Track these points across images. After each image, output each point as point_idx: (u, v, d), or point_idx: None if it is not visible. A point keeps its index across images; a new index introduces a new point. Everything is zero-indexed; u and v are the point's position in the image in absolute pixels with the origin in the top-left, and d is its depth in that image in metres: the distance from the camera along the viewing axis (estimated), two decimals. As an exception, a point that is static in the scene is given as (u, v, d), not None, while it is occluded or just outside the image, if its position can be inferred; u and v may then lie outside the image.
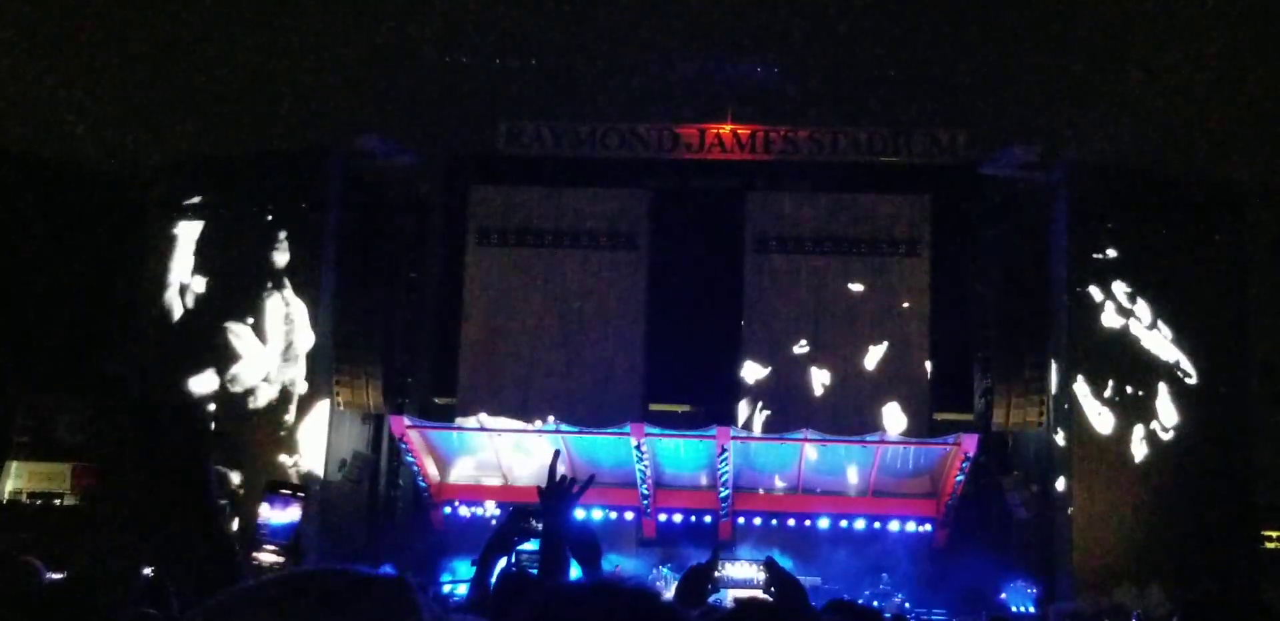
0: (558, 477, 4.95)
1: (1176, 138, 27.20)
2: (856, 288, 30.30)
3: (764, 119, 30.33)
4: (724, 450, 26.81)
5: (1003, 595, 26.20)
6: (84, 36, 26.73)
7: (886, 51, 29.25)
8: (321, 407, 27.60)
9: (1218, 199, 27.41)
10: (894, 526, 27.82)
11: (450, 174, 30.96)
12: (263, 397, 27.31)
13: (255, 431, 27.13)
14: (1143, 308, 26.60)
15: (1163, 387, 26.19)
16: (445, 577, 26.09)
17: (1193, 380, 26.18)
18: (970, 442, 26.46)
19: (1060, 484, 26.70)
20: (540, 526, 4.91)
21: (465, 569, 25.47)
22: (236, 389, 27.32)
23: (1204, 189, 27.41)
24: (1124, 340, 26.52)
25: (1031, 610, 25.47)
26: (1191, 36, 26.76)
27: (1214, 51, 26.72)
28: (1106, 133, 27.21)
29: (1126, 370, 26.42)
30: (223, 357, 27.46)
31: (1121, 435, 26.12)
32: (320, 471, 27.16)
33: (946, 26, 28.61)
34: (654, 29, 29.09)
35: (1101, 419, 26.32)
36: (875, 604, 25.65)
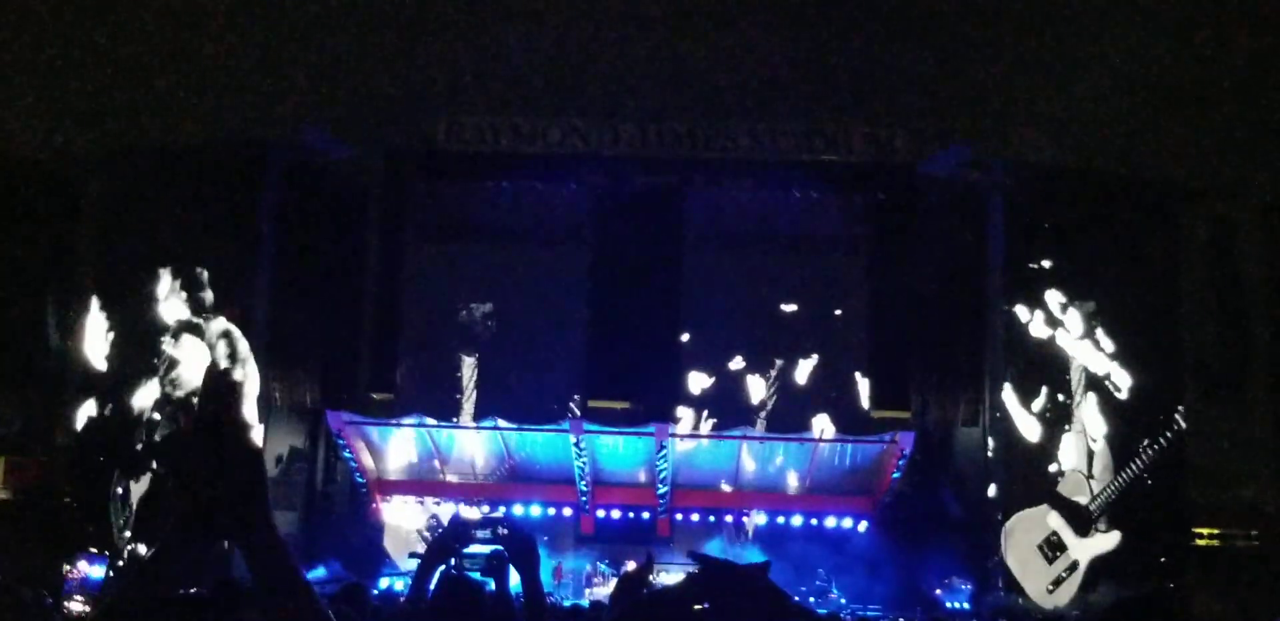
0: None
1: (1114, 139, 27.44)
2: (795, 285, 30.46)
3: (704, 114, 30.32)
4: (663, 447, 26.89)
5: (938, 591, 26.42)
6: (16, 23, 26.41)
7: (827, 48, 29.32)
8: (257, 404, 27.35)
9: (1153, 199, 27.68)
10: (830, 523, 28.01)
11: (389, 169, 30.72)
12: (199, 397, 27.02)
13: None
14: (1074, 311, 26.81)
15: (1093, 394, 26.39)
16: (385, 572, 26.01)
17: (1125, 384, 26.38)
18: (907, 440, 26.69)
19: (992, 488, 26.89)
20: (479, 534, 4.95)
21: (406, 562, 25.43)
22: (179, 392, 27.03)
23: (1139, 189, 27.67)
24: (1054, 343, 26.74)
25: (966, 607, 25.68)
26: (1129, 36, 27.05)
27: (1150, 52, 27.01)
28: (1044, 133, 27.42)
29: (1056, 374, 26.61)
30: (162, 359, 27.18)
31: (1049, 441, 26.33)
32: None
33: (887, 25, 28.72)
34: (596, 21, 29.02)
35: (1029, 424, 26.51)
36: (811, 600, 25.84)
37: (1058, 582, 25.01)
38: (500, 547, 5.48)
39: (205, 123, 27.75)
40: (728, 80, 29.81)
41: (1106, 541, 24.93)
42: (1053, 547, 25.23)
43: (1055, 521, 25.29)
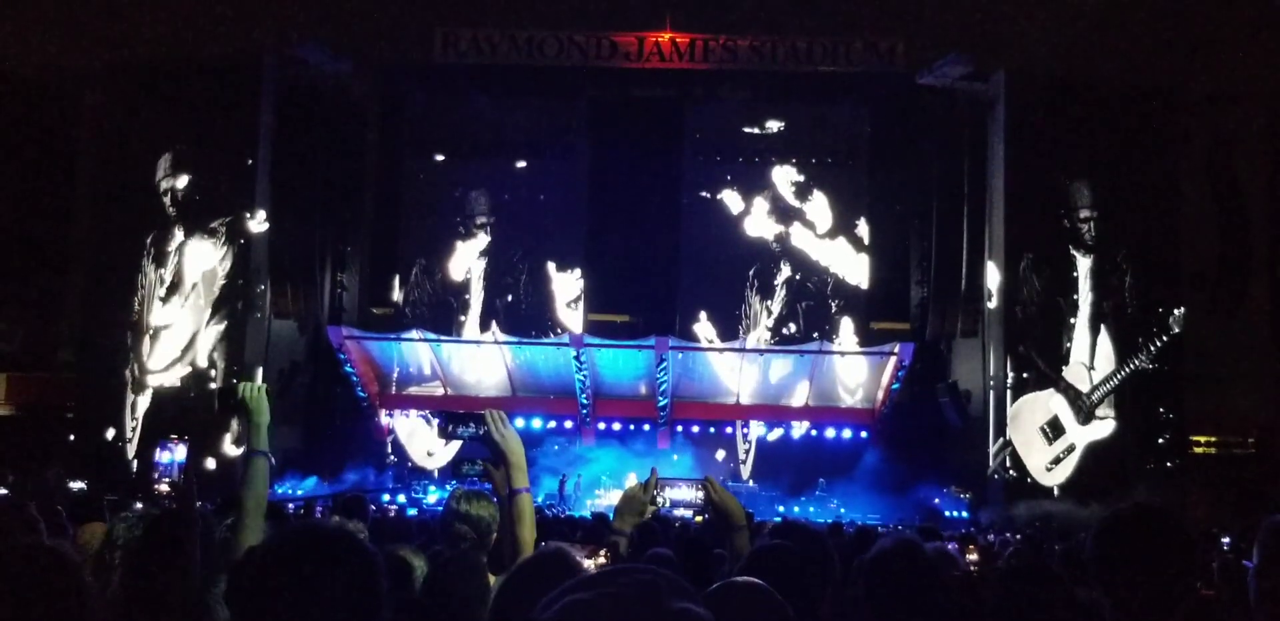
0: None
1: (1113, 47, 27.18)
2: (794, 198, 30.37)
3: (703, 27, 30.03)
4: (663, 360, 26.96)
5: (936, 501, 26.63)
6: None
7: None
8: (259, 320, 27.39)
9: (1154, 108, 27.47)
10: (830, 433, 28.16)
11: (386, 82, 30.52)
12: (207, 315, 27.07)
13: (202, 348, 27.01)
14: (1076, 218, 26.76)
15: (1096, 297, 26.46)
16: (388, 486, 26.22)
17: (1125, 290, 26.44)
18: (906, 351, 26.73)
19: (992, 394, 26.98)
20: (461, 431, 4.93)
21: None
22: (181, 302, 27.08)
23: (1140, 98, 27.44)
24: (1060, 250, 26.72)
25: (964, 515, 25.91)
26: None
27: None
28: (1044, 42, 27.13)
29: (1062, 280, 26.64)
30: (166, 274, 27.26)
31: (1054, 345, 26.42)
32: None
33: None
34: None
35: (1035, 328, 26.58)
36: (811, 509, 26.10)
37: (1056, 461, 25.63)
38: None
39: (201, 39, 27.46)
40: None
41: (1102, 428, 25.51)
42: (1054, 429, 25.77)
43: (1057, 405, 25.81)
